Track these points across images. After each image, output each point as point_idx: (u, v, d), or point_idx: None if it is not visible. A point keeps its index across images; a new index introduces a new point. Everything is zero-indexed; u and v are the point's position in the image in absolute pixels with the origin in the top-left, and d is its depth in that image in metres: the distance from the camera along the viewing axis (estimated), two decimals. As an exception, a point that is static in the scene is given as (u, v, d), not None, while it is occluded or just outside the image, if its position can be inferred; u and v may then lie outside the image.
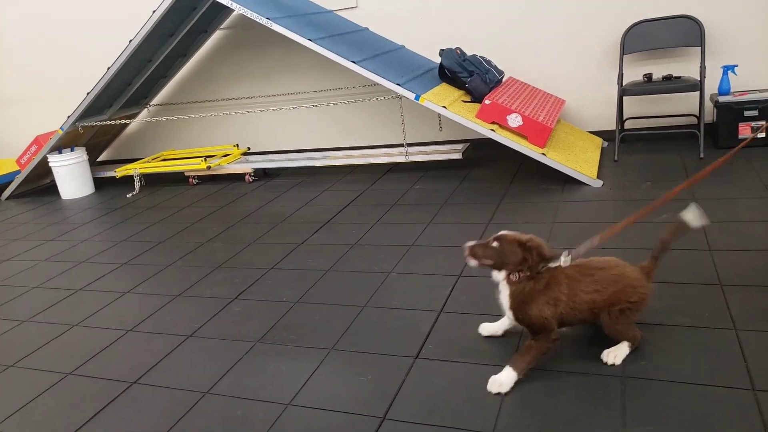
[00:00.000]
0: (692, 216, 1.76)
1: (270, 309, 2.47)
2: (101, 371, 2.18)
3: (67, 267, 3.31)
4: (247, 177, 4.55)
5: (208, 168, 4.62)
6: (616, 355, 1.78)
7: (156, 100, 5.35)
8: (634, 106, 4.17)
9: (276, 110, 4.98)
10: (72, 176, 4.87)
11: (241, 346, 2.20)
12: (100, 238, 3.75)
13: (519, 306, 1.77)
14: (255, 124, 5.18)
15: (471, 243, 1.83)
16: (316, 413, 1.75)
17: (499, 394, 1.72)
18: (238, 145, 5.11)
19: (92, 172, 5.06)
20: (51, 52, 5.59)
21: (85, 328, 2.54)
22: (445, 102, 3.63)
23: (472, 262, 1.82)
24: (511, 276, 1.79)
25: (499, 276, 1.83)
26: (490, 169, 3.99)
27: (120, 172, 4.79)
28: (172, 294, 2.75)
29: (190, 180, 4.76)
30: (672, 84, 3.77)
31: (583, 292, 1.76)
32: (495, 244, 1.79)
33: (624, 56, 4.00)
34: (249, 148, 5.09)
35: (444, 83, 4.02)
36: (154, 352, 2.26)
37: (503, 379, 1.73)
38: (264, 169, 4.73)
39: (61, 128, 4.64)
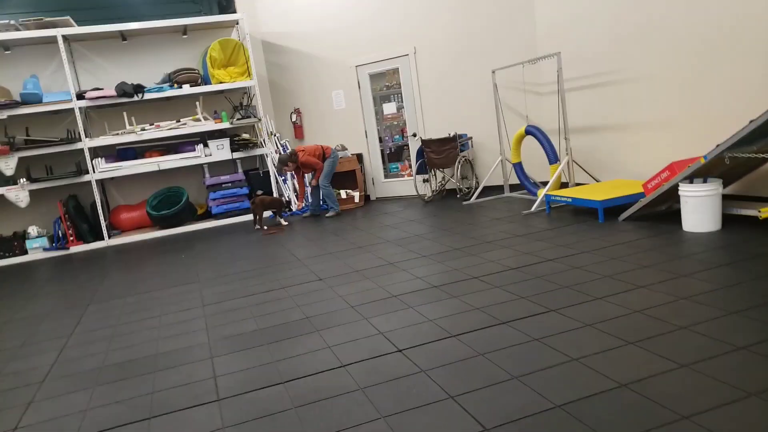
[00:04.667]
0: None
1: None
2: None
3: (715, 314, 2.95)
4: None
5: None
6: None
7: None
8: None
9: None
10: (701, 208, 4.52)
11: None
12: (740, 289, 3.24)
13: None
14: None
15: None
16: None
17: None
18: None
19: (723, 206, 4.60)
20: (694, 76, 5.36)
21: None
22: None
23: None
24: None
25: None
26: None
27: (765, 212, 4.15)
28: None
29: None
30: None
31: None
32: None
33: None
34: None
35: None
36: None
37: None
38: None
39: (704, 157, 4.33)
